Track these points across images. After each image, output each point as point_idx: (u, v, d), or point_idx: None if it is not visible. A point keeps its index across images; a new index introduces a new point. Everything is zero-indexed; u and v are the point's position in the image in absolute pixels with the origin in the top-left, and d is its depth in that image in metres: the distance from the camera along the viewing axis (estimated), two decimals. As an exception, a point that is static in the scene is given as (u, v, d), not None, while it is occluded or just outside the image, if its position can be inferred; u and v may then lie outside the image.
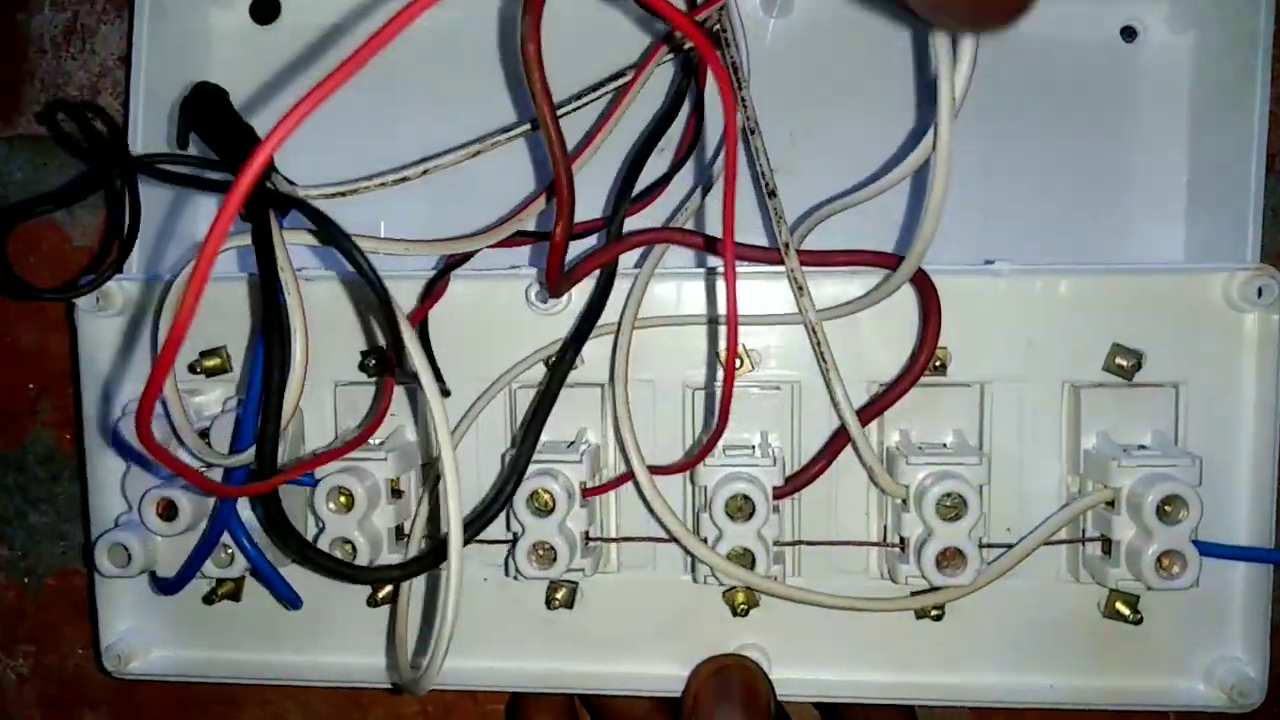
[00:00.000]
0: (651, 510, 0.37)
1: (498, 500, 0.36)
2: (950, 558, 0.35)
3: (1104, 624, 0.39)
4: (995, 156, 0.43)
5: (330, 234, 0.33)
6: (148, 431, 0.26)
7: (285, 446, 0.39)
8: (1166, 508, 0.35)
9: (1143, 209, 0.43)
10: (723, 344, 0.38)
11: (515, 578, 0.38)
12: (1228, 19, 0.41)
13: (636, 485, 0.37)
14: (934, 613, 0.39)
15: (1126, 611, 0.38)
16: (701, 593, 0.40)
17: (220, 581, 0.41)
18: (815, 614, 0.39)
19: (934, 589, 0.36)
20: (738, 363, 0.38)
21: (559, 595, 0.40)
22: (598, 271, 0.37)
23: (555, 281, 0.36)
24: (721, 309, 0.38)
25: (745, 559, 0.36)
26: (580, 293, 0.38)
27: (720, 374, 0.39)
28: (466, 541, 0.34)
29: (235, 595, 0.42)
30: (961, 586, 0.36)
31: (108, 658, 0.42)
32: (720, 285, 0.38)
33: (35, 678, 0.50)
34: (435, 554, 0.36)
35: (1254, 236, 0.39)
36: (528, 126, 0.38)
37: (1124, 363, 0.37)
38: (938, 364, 0.37)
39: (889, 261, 0.36)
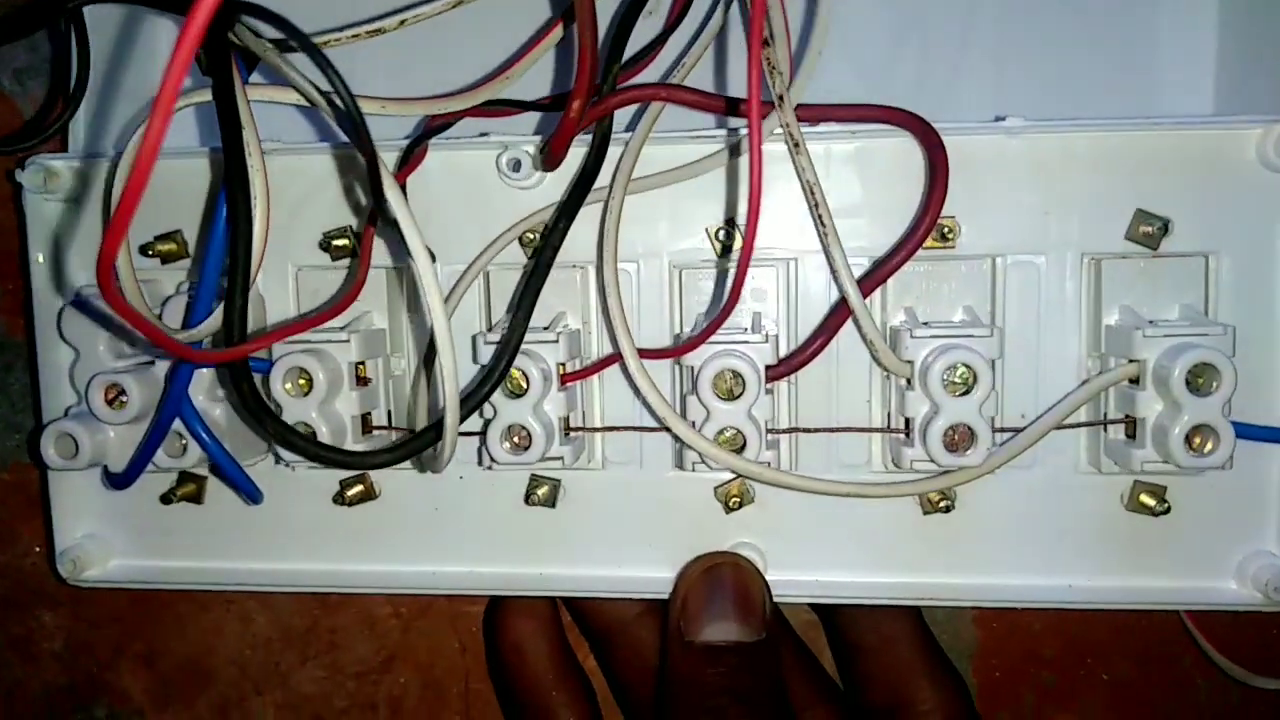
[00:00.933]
0: (638, 391, 0.34)
1: (491, 377, 0.32)
2: (961, 437, 0.32)
3: (1128, 518, 0.36)
4: (1011, 5, 0.40)
5: (309, 50, 0.29)
6: (110, 286, 0.23)
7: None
8: (1198, 379, 0.32)
9: (1170, 67, 0.39)
10: (728, 215, 0.35)
11: (489, 467, 0.35)
12: None
13: (621, 364, 0.34)
14: (942, 504, 0.36)
15: (1152, 503, 0.35)
16: (692, 488, 0.37)
17: (180, 480, 0.39)
18: (814, 511, 0.36)
19: (942, 473, 0.33)
20: (728, 238, 0.36)
21: (540, 492, 0.37)
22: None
23: (559, 158, 0.33)
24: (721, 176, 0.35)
25: (735, 441, 0.33)
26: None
27: (715, 252, 0.36)
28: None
29: (196, 497, 0.39)
30: (971, 468, 0.33)
31: (62, 564, 0.39)
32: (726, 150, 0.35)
33: (-9, 577, 0.47)
34: (435, 429, 0.31)
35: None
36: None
37: (1149, 230, 0.34)
38: (946, 231, 0.34)
39: (895, 116, 0.33)
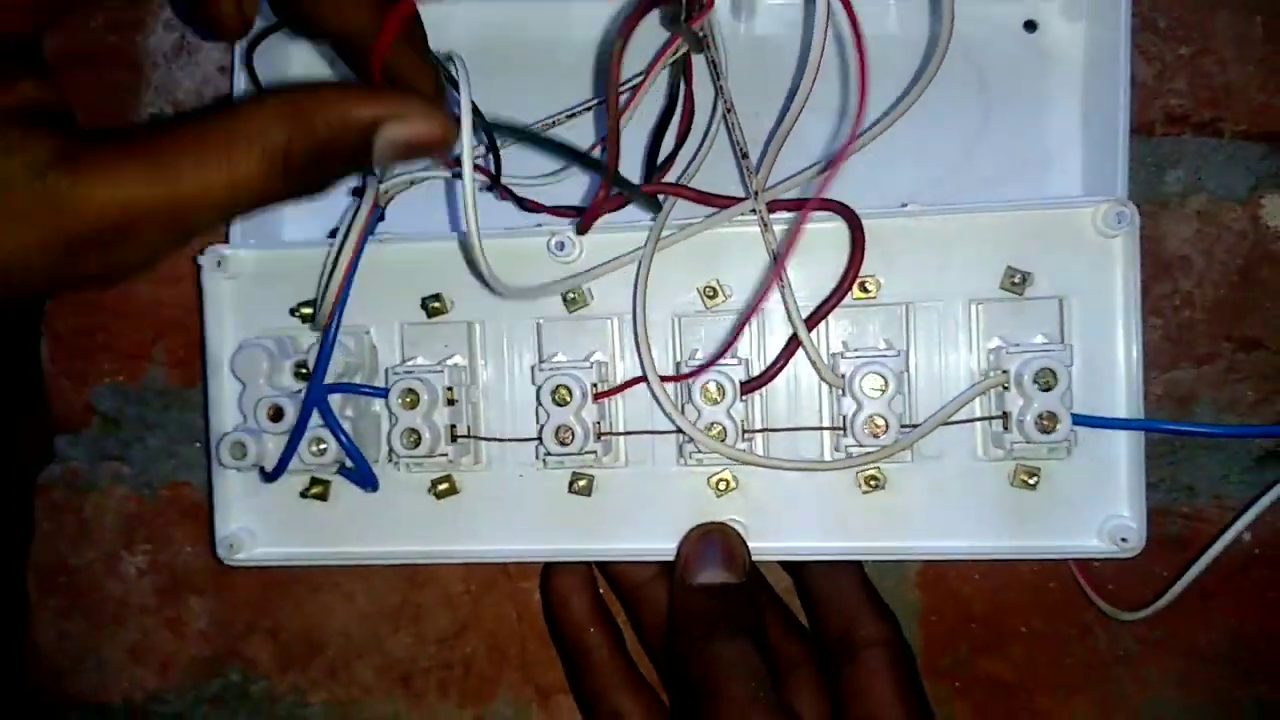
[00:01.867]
0: (658, 401, 0.46)
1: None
2: (877, 425, 0.46)
3: (1013, 492, 0.48)
4: (921, 140, 0.52)
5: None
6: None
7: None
8: (1044, 380, 0.45)
9: (1055, 156, 0.52)
10: (711, 278, 0.49)
11: (544, 460, 0.49)
12: (1104, 8, 0.50)
13: (647, 383, 0.47)
14: (875, 484, 0.48)
15: (1028, 479, 0.47)
16: (690, 478, 0.50)
17: (311, 484, 0.52)
18: (782, 495, 0.49)
19: (867, 452, 0.46)
20: (713, 294, 0.49)
21: (579, 484, 0.50)
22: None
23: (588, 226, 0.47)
24: (706, 254, 0.49)
25: (721, 435, 0.47)
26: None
27: (704, 305, 0.49)
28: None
29: (323, 496, 0.52)
30: (888, 447, 0.46)
31: (221, 547, 0.52)
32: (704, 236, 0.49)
33: (151, 571, 0.60)
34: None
35: (1122, 180, 0.48)
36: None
37: (1016, 281, 0.47)
38: (868, 286, 0.48)
39: (825, 205, 0.47)
